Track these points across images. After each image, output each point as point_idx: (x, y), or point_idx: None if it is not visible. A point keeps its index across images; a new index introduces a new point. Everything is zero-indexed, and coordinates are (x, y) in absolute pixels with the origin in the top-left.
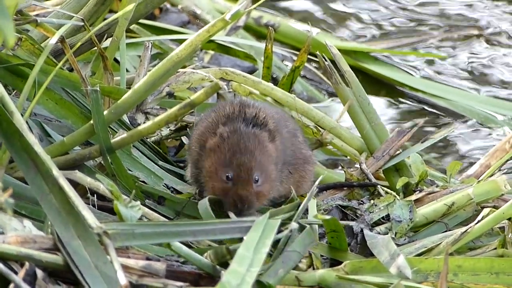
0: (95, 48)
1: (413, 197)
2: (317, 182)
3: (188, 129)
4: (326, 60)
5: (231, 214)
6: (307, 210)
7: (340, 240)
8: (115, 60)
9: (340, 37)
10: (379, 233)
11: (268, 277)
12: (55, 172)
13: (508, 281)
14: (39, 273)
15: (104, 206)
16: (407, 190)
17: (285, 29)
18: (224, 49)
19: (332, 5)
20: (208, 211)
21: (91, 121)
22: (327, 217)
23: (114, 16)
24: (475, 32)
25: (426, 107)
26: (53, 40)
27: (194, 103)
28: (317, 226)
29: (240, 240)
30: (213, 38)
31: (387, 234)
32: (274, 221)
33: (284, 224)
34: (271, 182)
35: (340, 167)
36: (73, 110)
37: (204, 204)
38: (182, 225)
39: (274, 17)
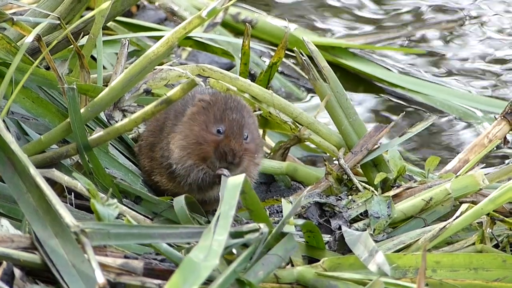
0: (72, 46)
1: (391, 192)
2: (304, 193)
3: None
4: (303, 56)
5: (223, 171)
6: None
7: (317, 239)
8: (92, 57)
9: (319, 31)
10: (357, 230)
11: (248, 277)
12: (32, 170)
13: (486, 277)
14: (17, 272)
15: (82, 204)
16: (385, 185)
17: (263, 25)
18: (202, 46)
19: None
20: (183, 209)
21: (68, 119)
22: (300, 221)
23: (91, 13)
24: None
25: (404, 103)
26: (29, 38)
27: (170, 99)
28: (293, 227)
29: None
30: (190, 34)
31: (366, 230)
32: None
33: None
34: (257, 145)
35: (319, 164)
36: (50, 108)
37: (180, 202)
38: (157, 227)
39: (252, 13)
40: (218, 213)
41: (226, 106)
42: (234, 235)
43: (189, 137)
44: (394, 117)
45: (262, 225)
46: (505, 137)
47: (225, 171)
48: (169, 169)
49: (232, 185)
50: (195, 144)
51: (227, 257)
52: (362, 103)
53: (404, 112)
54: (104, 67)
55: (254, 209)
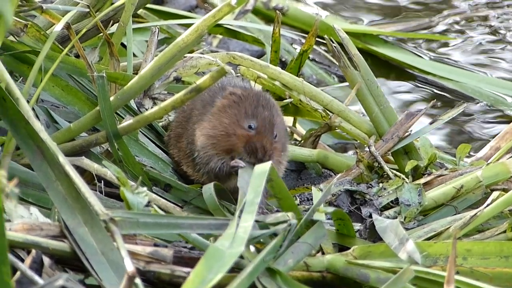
0: (102, 34)
1: (422, 180)
2: (334, 180)
3: None
4: (334, 43)
5: (238, 163)
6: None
7: (347, 227)
8: (122, 45)
9: (351, 19)
10: (388, 218)
11: (277, 265)
12: (62, 158)
13: None
14: (46, 260)
15: (111, 192)
16: (416, 173)
17: (294, 12)
18: (232, 33)
19: None
20: (212, 197)
21: (98, 107)
22: (330, 209)
23: (121, 1)
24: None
25: (435, 90)
26: (59, 26)
27: (200, 87)
28: (323, 215)
29: None
30: (221, 22)
31: (396, 218)
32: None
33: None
34: (283, 144)
35: (349, 151)
36: (79, 96)
37: (209, 189)
38: (186, 218)
39: (283, 0)
40: (243, 201)
41: (258, 103)
42: (262, 226)
43: (217, 128)
44: (425, 105)
45: (290, 215)
46: None
47: (241, 163)
48: (191, 156)
49: (259, 172)
50: (223, 135)
51: (257, 246)
52: (393, 91)
53: (435, 100)
54: (134, 55)
55: (282, 197)
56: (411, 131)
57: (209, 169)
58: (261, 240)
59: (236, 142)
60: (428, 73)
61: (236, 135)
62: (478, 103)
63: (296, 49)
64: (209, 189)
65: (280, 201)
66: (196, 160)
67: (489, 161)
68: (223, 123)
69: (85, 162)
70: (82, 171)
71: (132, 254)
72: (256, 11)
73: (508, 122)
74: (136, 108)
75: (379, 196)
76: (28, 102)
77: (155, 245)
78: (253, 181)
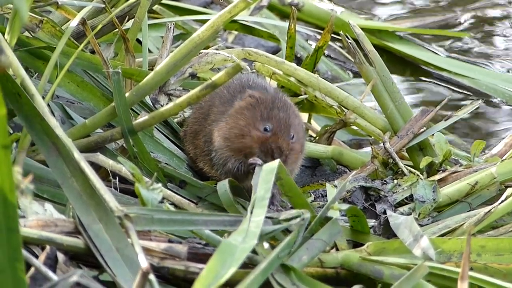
0: (117, 29)
1: (437, 176)
2: (349, 177)
3: None
4: (349, 40)
5: (256, 160)
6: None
7: (361, 224)
8: (138, 41)
9: (366, 15)
10: (402, 214)
11: (291, 262)
12: (77, 155)
13: None
14: (60, 256)
15: (126, 189)
16: (431, 169)
17: (309, 8)
18: (248, 29)
19: None
20: (226, 194)
21: (113, 103)
22: (345, 206)
23: None
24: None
25: (450, 86)
26: (74, 22)
27: (215, 84)
28: (338, 212)
29: None
30: (236, 18)
31: (411, 214)
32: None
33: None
34: (301, 144)
35: (364, 147)
36: (94, 92)
37: (223, 186)
38: (200, 214)
39: None
40: (254, 197)
41: (274, 105)
42: (276, 222)
43: (233, 130)
44: (440, 101)
45: (303, 211)
46: None
47: (258, 160)
48: (209, 155)
49: (267, 170)
50: (238, 137)
51: (272, 243)
52: (408, 87)
53: (450, 96)
54: (149, 51)
55: (292, 195)
56: (425, 127)
57: (226, 169)
58: (275, 237)
59: (251, 143)
60: (443, 70)
61: (251, 137)
62: (493, 99)
63: (311, 45)
64: (223, 186)
65: (292, 199)
66: (213, 160)
67: (503, 158)
68: (239, 125)
69: (100, 158)
70: (97, 167)
71: (147, 250)
72: (271, 7)
73: None
74: (151, 104)
75: (394, 193)
76: (43, 98)
77: (170, 241)
78: (262, 177)
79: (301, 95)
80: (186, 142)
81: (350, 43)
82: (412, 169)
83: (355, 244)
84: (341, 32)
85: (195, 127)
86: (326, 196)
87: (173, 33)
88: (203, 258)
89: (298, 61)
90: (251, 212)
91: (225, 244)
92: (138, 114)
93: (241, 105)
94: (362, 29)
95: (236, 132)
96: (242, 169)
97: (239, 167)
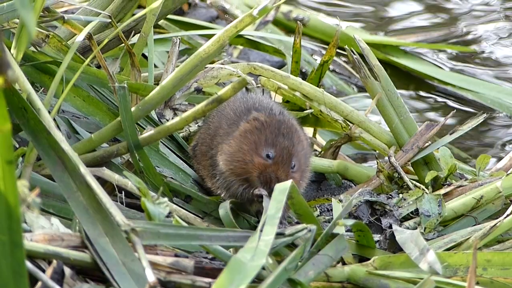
0: (123, 44)
1: (442, 191)
2: (355, 195)
3: None
4: (354, 54)
5: (261, 191)
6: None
7: (367, 238)
8: (143, 56)
9: (370, 30)
10: (408, 228)
11: (298, 276)
12: (83, 169)
13: None
14: (67, 271)
15: (132, 203)
16: (436, 183)
17: (315, 23)
18: (253, 44)
19: None
20: (227, 215)
21: (119, 118)
22: (350, 222)
23: (142, 12)
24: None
25: (455, 101)
26: (80, 37)
27: (221, 98)
28: (343, 228)
29: None
30: (242, 33)
31: (416, 229)
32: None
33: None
34: (302, 171)
35: (369, 161)
36: (100, 107)
37: (225, 207)
38: (206, 229)
39: (304, 11)
40: (265, 217)
41: (279, 131)
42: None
43: (236, 154)
44: (445, 115)
45: (310, 225)
46: None
47: (263, 191)
48: (214, 178)
49: (279, 190)
50: (240, 162)
51: (278, 258)
52: (413, 101)
53: (455, 110)
54: (155, 66)
55: (302, 213)
56: (430, 141)
57: (230, 194)
58: (279, 251)
59: (252, 170)
60: (448, 84)
61: (252, 163)
62: (498, 113)
63: (316, 59)
64: (225, 207)
65: (301, 217)
66: (217, 182)
67: (508, 172)
68: (242, 149)
69: (106, 172)
70: (103, 181)
71: (153, 265)
72: (276, 22)
73: None
74: (157, 119)
75: (399, 207)
76: (49, 112)
77: (176, 255)
78: (274, 197)
79: (306, 109)
80: (196, 162)
81: (356, 57)
82: (418, 183)
83: (361, 259)
84: (346, 47)
85: (202, 148)
86: (331, 210)
87: (178, 47)
88: (209, 272)
89: (303, 75)
90: (261, 230)
91: (234, 260)
92: (144, 129)
93: (246, 127)
94: (367, 43)
95: (238, 156)
96: (246, 196)
97: (243, 193)
